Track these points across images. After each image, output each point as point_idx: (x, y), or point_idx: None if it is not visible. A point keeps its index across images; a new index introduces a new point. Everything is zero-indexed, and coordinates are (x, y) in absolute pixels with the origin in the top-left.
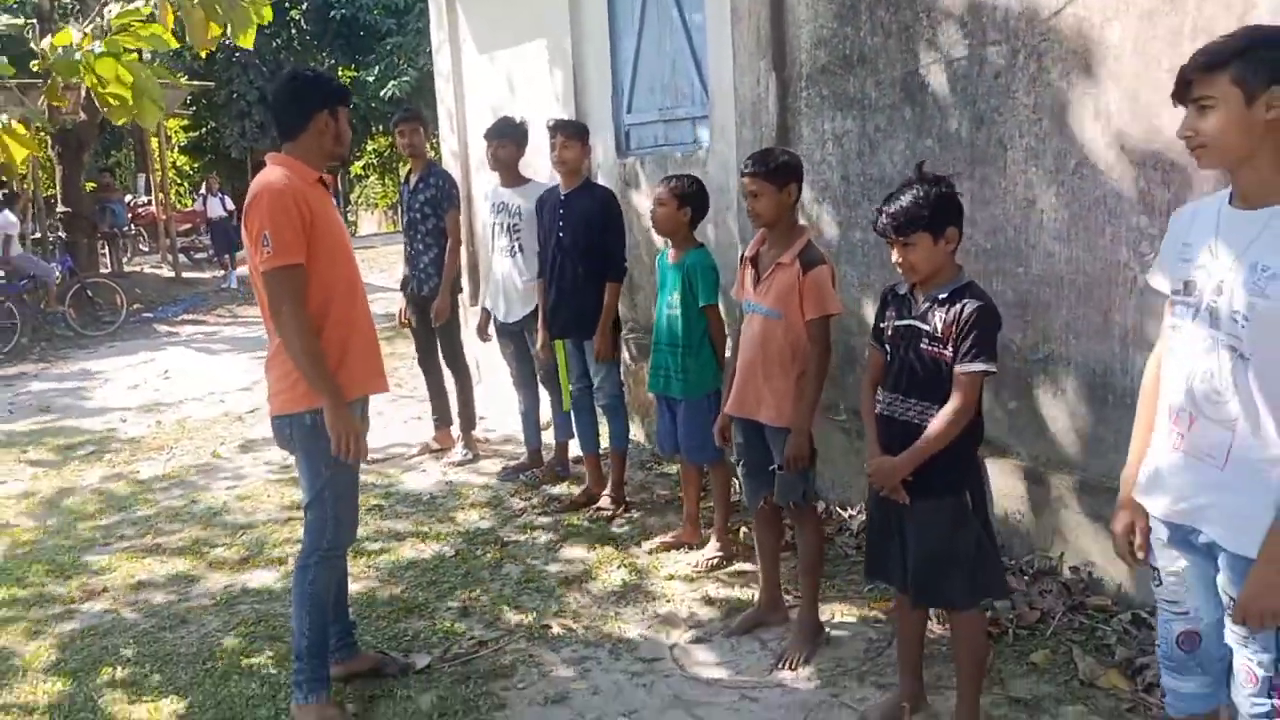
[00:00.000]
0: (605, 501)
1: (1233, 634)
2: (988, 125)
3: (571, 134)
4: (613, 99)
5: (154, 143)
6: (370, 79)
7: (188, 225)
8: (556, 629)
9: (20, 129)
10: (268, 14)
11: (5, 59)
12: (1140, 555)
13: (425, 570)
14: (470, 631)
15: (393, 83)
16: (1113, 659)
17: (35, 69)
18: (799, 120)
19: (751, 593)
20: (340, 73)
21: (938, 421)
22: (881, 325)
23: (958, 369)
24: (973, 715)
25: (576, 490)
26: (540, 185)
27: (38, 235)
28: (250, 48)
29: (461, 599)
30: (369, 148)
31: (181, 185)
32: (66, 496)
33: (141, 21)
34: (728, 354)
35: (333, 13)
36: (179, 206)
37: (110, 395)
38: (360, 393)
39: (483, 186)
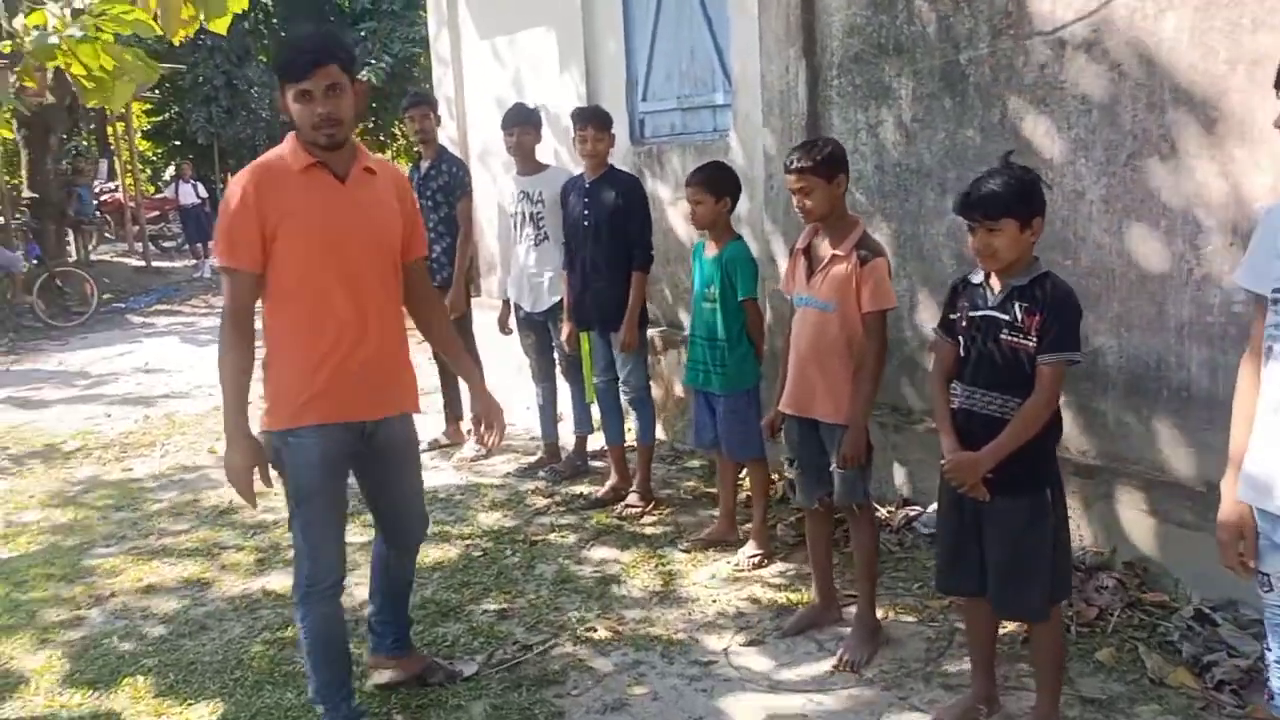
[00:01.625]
0: (633, 498)
1: None
2: (1034, 116)
3: (601, 124)
4: (627, 86)
5: (118, 127)
6: None
7: (156, 212)
8: (602, 632)
9: None
10: (243, 1)
11: None
12: (1250, 565)
13: (454, 571)
14: (512, 635)
15: (367, 69)
16: (1179, 656)
17: (4, 50)
18: (829, 109)
19: (799, 593)
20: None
21: (1022, 414)
22: (953, 316)
23: (1041, 360)
24: (1054, 717)
25: (597, 487)
26: (561, 171)
27: (2, 222)
28: (224, 34)
29: (498, 601)
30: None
31: (145, 171)
32: (59, 496)
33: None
34: (768, 348)
35: None
36: (145, 193)
37: (90, 389)
38: (292, 424)
39: (481, 175)
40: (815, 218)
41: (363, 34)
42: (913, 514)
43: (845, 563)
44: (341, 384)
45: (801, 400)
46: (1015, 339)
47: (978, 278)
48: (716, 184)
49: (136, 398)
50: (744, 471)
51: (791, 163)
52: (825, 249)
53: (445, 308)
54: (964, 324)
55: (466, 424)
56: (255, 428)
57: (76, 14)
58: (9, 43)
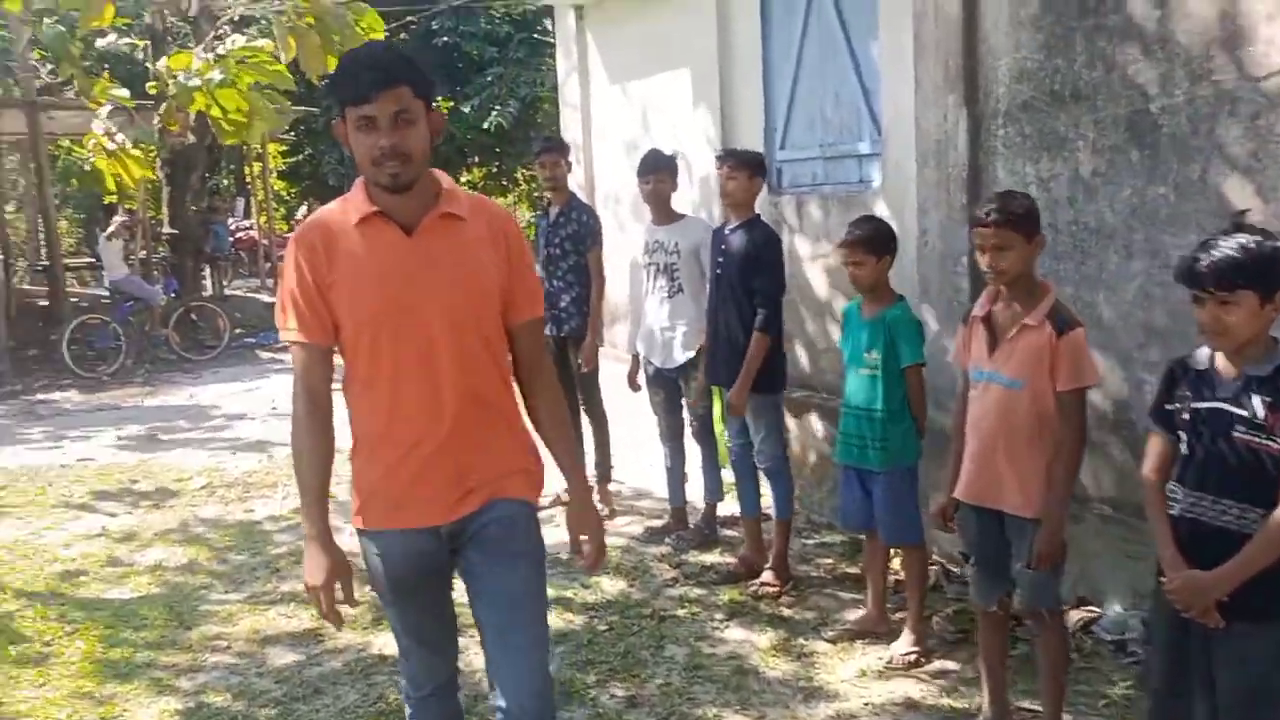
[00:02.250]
0: (768, 576)
1: None
2: (1242, 172)
3: (737, 164)
4: (765, 133)
5: (255, 166)
6: (467, 110)
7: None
8: None
9: (135, 151)
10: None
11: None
12: None
13: (579, 646)
14: None
15: (494, 113)
16: None
17: (151, 90)
18: (993, 160)
19: (963, 698)
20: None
21: (1271, 529)
22: (1171, 407)
23: None
24: None
25: (727, 558)
26: (698, 221)
27: (144, 256)
28: None
29: (626, 685)
30: (463, 179)
31: (279, 209)
32: (181, 535)
33: (263, 54)
34: (928, 420)
35: (435, 40)
36: (279, 230)
37: (217, 426)
38: (363, 524)
39: (608, 222)
40: (1006, 279)
41: (489, 79)
42: (1091, 616)
43: (1015, 669)
44: (407, 481)
45: (984, 489)
46: (1255, 439)
47: (1202, 361)
48: (877, 243)
49: (260, 437)
50: (892, 552)
51: (988, 215)
52: (1012, 317)
53: (556, 383)
54: (1185, 417)
55: (614, 485)
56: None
57: (219, 58)
58: (154, 84)
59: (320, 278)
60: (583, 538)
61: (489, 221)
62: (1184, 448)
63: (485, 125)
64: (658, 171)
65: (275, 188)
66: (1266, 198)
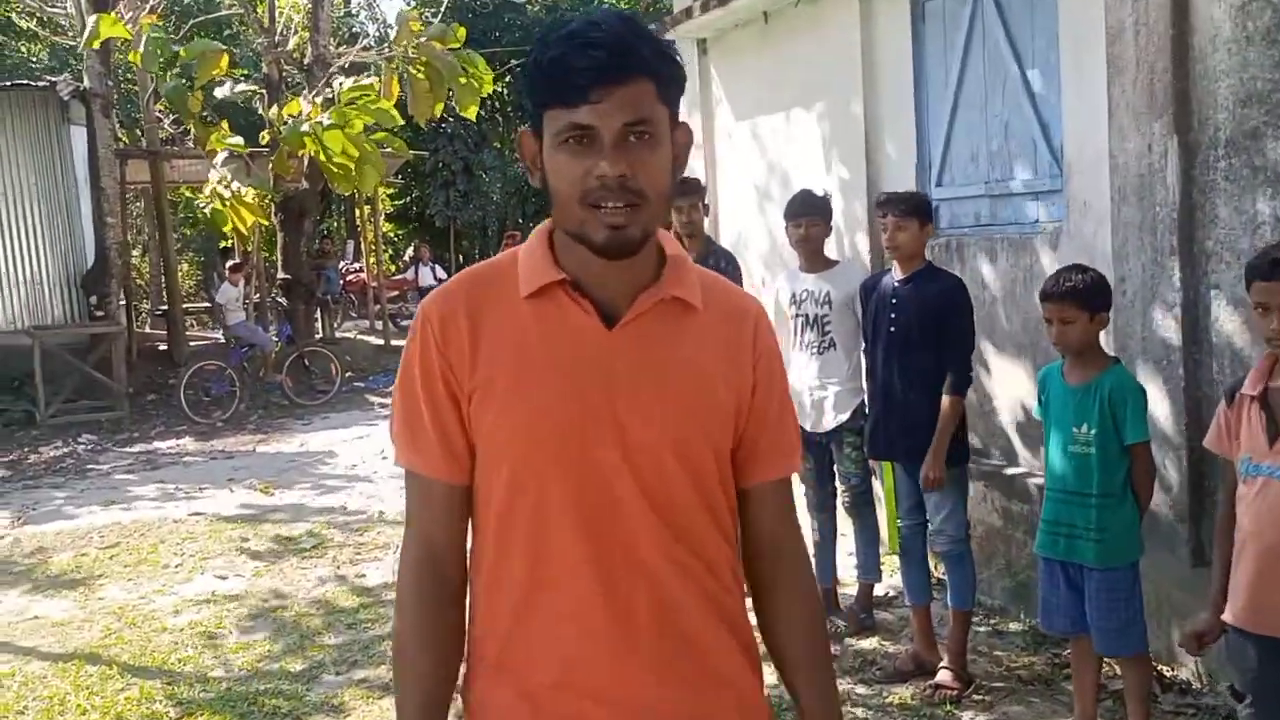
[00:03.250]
0: (945, 676)
1: None
2: None
3: (906, 211)
4: (917, 170)
5: (365, 210)
6: None
7: (396, 292)
8: None
9: (249, 197)
10: (488, 86)
11: (241, 140)
12: None
13: None
14: None
15: None
16: None
17: (264, 138)
18: (1212, 197)
19: None
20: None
21: None
22: None
23: None
24: None
25: (886, 644)
26: (854, 268)
27: (257, 300)
28: (472, 119)
29: None
30: None
31: (387, 251)
32: (288, 602)
33: (371, 96)
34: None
35: None
36: (387, 272)
37: (328, 476)
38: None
39: None
40: None
41: None
42: None
43: None
44: (554, 710)
45: (1268, 615)
46: None
47: None
48: (1093, 297)
49: (371, 492)
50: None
51: (1264, 273)
52: None
53: (813, 580)
54: None
55: None
56: None
57: (328, 103)
58: (268, 132)
59: (458, 375)
60: None
61: (733, 318)
62: None
63: None
64: (810, 214)
65: (384, 229)
66: None
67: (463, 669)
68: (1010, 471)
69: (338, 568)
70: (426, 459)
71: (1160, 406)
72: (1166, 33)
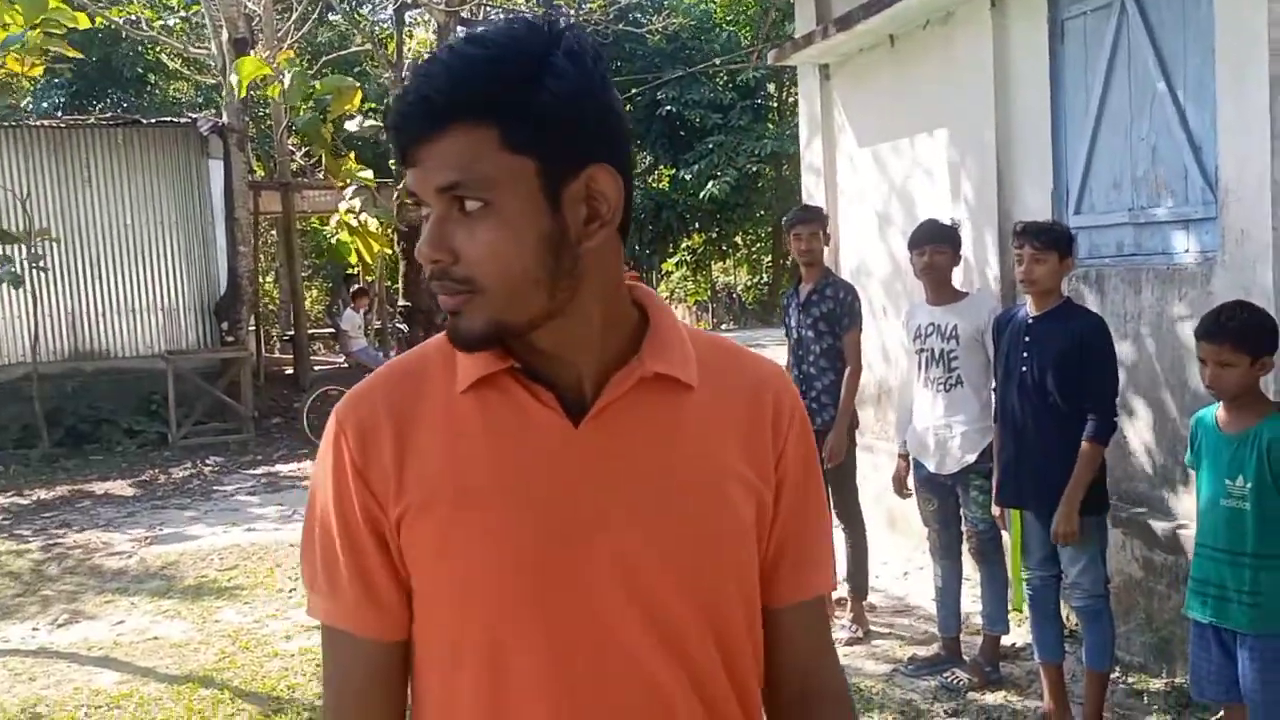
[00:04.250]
0: None
1: None
2: None
3: (1047, 244)
4: (1053, 196)
5: None
6: (688, 177)
7: None
8: None
9: (374, 227)
10: None
11: (370, 172)
12: None
13: None
14: None
15: (711, 183)
16: None
17: (392, 168)
18: None
19: None
20: (659, 171)
21: None
22: None
23: None
24: None
25: (1014, 701)
26: (984, 301)
27: (379, 326)
28: None
29: None
30: (683, 244)
31: None
32: None
33: None
34: None
35: (659, 110)
36: None
37: None
38: None
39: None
40: None
41: (710, 146)
42: None
43: None
44: None
45: None
46: None
47: None
48: (1257, 338)
49: None
50: None
51: None
52: None
53: (848, 700)
54: None
55: (836, 593)
56: None
57: None
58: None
59: (380, 500)
60: None
61: (745, 393)
62: None
63: (702, 195)
64: (936, 242)
65: None
66: None
67: None
68: (1153, 520)
69: None
70: (349, 611)
71: None
72: None
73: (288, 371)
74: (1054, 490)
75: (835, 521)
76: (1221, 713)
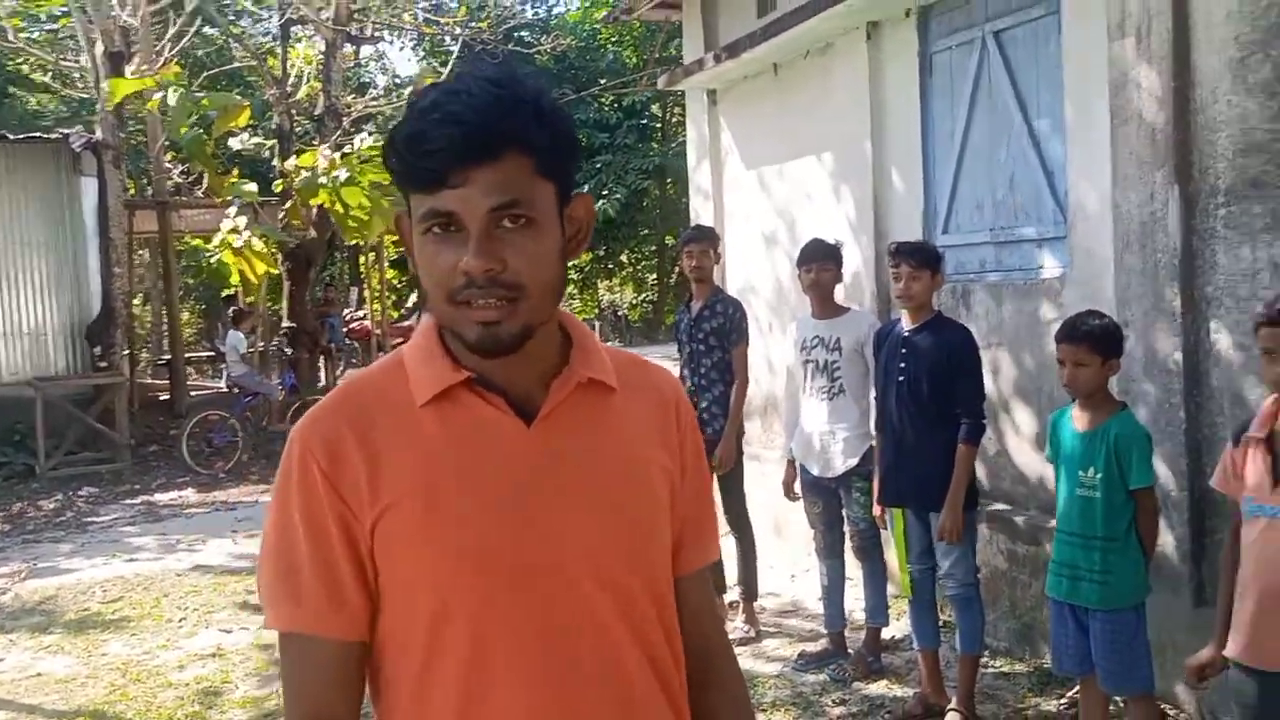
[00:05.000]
0: (953, 718)
1: None
2: None
3: (920, 262)
4: (924, 217)
5: (369, 257)
6: None
7: (401, 339)
8: None
9: (259, 246)
10: None
11: (254, 186)
12: None
13: None
14: None
15: (602, 202)
16: None
17: (278, 187)
18: (1211, 244)
19: None
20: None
21: None
22: None
23: None
24: None
25: (896, 689)
26: (863, 316)
27: (262, 349)
28: None
29: None
30: (570, 262)
31: (390, 297)
32: None
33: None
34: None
35: None
36: (390, 318)
37: None
38: None
39: None
40: None
41: (599, 166)
42: None
43: None
44: None
45: (1270, 650)
46: None
47: None
48: (1107, 343)
49: None
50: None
51: (1273, 316)
52: None
53: (739, 670)
54: None
55: (728, 596)
56: None
57: (344, 157)
58: (281, 181)
59: (354, 508)
60: None
61: (653, 394)
62: None
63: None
64: (821, 260)
65: (388, 276)
66: None
67: None
68: (1015, 515)
69: None
70: (313, 615)
71: (1163, 449)
72: (1168, 85)
73: (163, 398)
74: (931, 490)
75: (725, 528)
76: (1078, 686)
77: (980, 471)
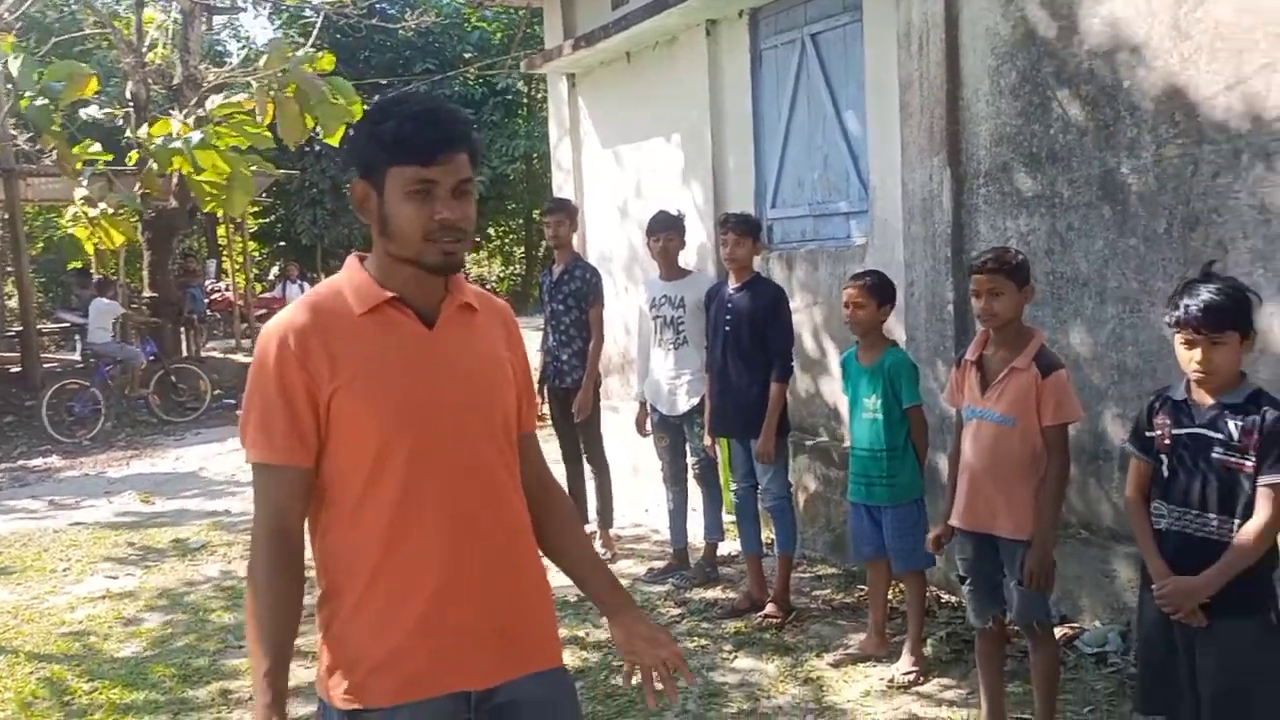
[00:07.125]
0: (771, 608)
1: None
2: (1204, 226)
3: (743, 230)
4: (755, 192)
5: (227, 229)
6: None
7: (263, 310)
8: None
9: (116, 216)
10: (358, 111)
11: (100, 146)
12: None
13: (596, 683)
14: None
15: None
16: None
17: (132, 158)
18: (975, 217)
19: (959, 711)
20: None
21: (1247, 535)
22: (1151, 434)
23: (1264, 479)
24: None
25: (729, 593)
26: (703, 277)
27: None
28: (336, 144)
29: (645, 715)
30: None
31: (253, 271)
32: (187, 592)
33: (243, 114)
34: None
35: None
36: (254, 291)
37: (207, 486)
38: (360, 700)
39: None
40: (999, 323)
41: None
42: (1072, 632)
43: (1007, 682)
44: (436, 637)
45: (978, 516)
46: (1231, 459)
47: (1180, 393)
48: (883, 290)
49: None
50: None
51: (985, 263)
52: (1001, 360)
53: (569, 500)
54: (1166, 442)
55: (590, 527)
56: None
57: (200, 121)
58: (136, 152)
59: (319, 383)
60: (660, 655)
61: (499, 315)
62: (1165, 470)
63: None
64: (668, 230)
65: (248, 248)
66: (1226, 248)
67: (317, 638)
68: (830, 446)
69: (230, 562)
70: (283, 449)
71: (938, 378)
72: (942, 86)
73: (13, 370)
74: (751, 420)
75: (586, 468)
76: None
77: (801, 410)
